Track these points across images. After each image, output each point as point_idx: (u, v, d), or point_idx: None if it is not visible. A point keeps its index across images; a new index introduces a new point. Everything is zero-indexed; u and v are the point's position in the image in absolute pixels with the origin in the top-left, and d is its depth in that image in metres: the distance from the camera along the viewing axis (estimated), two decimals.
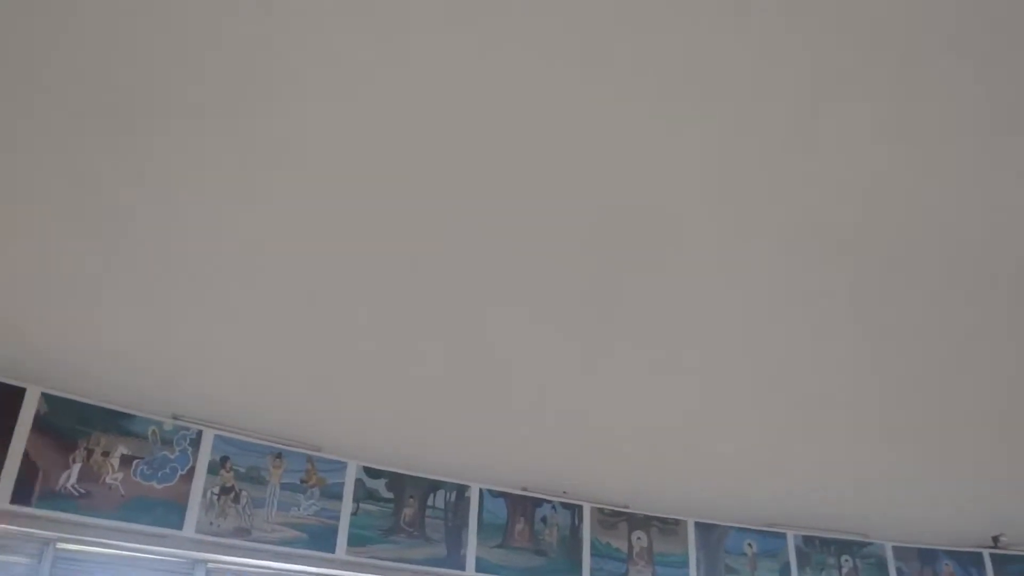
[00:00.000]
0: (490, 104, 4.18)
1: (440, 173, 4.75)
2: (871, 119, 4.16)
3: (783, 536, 7.09)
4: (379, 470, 5.62)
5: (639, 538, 6.54)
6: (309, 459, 5.35)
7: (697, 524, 6.82)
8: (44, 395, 4.43)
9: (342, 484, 5.42)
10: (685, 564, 6.62)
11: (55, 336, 4.56)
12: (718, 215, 4.86)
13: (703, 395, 6.50)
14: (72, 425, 4.50)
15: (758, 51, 3.41)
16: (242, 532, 4.94)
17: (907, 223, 4.92)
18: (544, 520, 6.21)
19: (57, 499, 4.35)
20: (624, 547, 6.45)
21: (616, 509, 6.55)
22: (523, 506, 6.16)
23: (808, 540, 7.15)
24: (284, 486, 5.19)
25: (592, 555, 6.29)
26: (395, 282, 5.38)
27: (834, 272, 5.71)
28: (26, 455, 4.29)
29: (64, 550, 4.42)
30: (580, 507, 6.40)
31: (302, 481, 5.27)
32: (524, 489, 6.23)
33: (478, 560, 5.79)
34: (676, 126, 3.86)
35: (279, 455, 5.23)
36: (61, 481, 4.38)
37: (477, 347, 5.79)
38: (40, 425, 4.38)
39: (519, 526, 6.08)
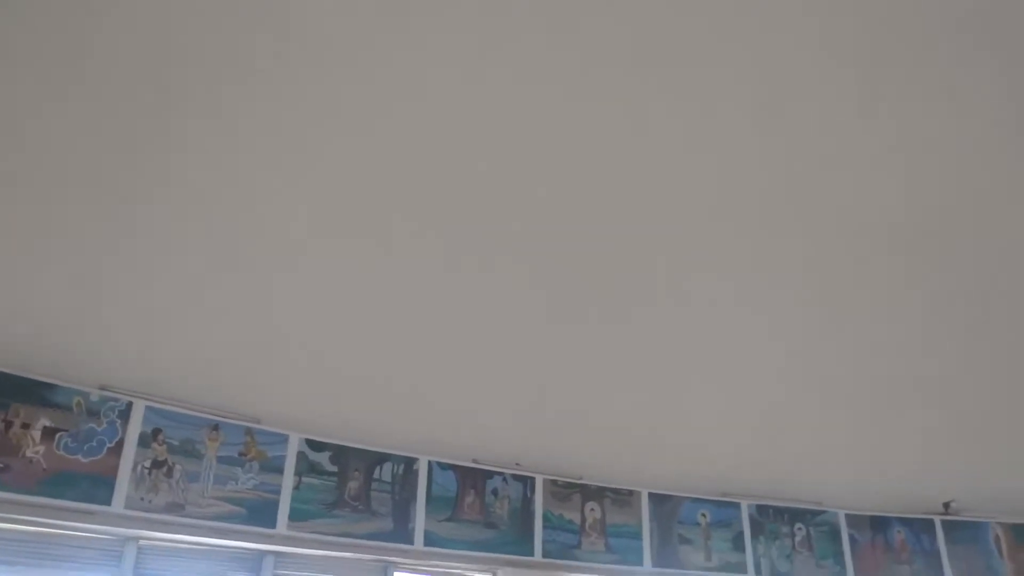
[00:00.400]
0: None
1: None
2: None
3: (737, 506, 7.04)
4: (322, 442, 5.42)
5: (592, 510, 6.43)
6: (248, 431, 5.13)
7: (651, 495, 6.73)
8: None
9: (283, 457, 5.21)
10: (639, 535, 6.54)
11: None
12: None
13: (656, 369, 6.40)
14: None
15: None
16: (175, 507, 4.71)
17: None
18: (495, 492, 6.07)
19: None
20: (577, 519, 6.34)
21: (569, 481, 6.44)
22: (473, 478, 6.01)
23: (762, 509, 7.11)
24: (221, 459, 4.97)
25: (544, 527, 6.17)
26: (338, 248, 5.18)
27: (786, 244, 5.68)
28: None
29: None
30: (532, 479, 6.27)
31: (240, 454, 5.06)
32: (475, 461, 6.08)
33: (427, 533, 5.63)
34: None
35: (216, 427, 5.00)
36: None
37: (424, 315, 5.61)
38: None
39: (469, 499, 5.93)
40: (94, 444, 4.51)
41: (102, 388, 4.63)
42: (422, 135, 4.50)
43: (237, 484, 4.98)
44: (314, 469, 5.33)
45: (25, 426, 4.30)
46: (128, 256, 4.67)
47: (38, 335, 4.49)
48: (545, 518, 6.20)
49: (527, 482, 6.24)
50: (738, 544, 6.90)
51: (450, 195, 4.91)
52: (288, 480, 5.18)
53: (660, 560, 6.54)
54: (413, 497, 5.67)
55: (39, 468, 4.29)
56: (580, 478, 6.49)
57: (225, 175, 4.58)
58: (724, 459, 6.99)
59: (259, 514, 4.99)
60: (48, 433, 4.37)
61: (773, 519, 7.13)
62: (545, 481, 6.32)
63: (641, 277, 5.79)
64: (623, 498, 6.61)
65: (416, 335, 5.64)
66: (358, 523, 5.39)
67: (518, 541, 6.02)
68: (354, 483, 5.47)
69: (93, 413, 4.56)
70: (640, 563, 6.46)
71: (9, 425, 4.25)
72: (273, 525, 5.03)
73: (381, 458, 5.64)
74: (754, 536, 6.98)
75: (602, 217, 5.20)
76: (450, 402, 5.96)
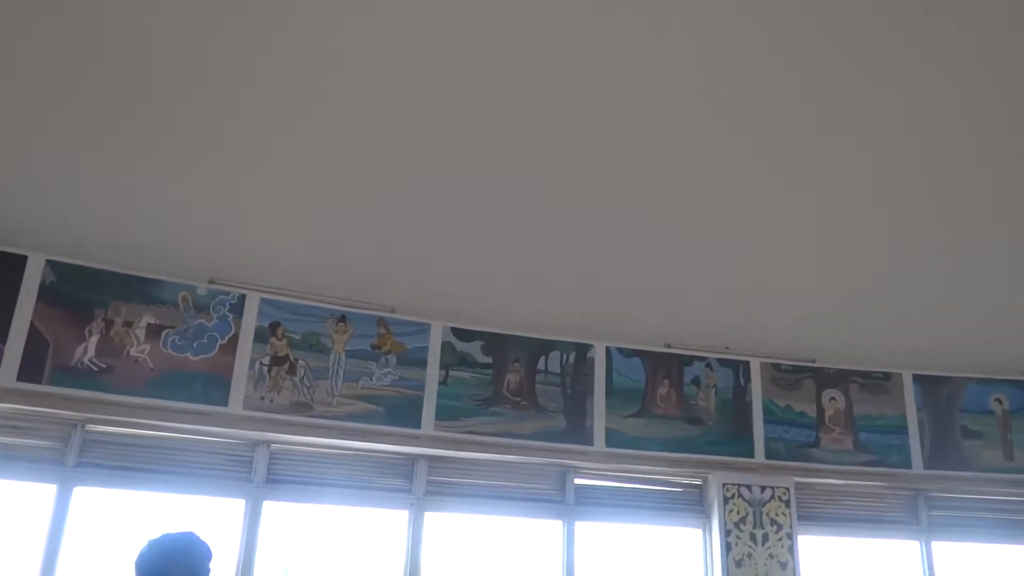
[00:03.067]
0: None
1: None
2: None
3: None
4: (472, 331, 4.65)
5: (833, 399, 5.06)
6: (381, 321, 4.49)
7: (918, 377, 5.18)
8: (50, 262, 3.92)
9: (425, 348, 4.52)
10: (902, 428, 5.05)
11: (62, 199, 4.03)
12: None
13: (917, 217, 4.86)
14: (85, 294, 3.97)
15: None
16: (301, 407, 4.21)
17: None
18: (697, 382, 4.93)
19: (73, 375, 3.84)
20: (811, 410, 5.01)
21: (798, 364, 5.10)
22: (667, 366, 4.93)
23: None
24: (351, 354, 4.39)
25: (767, 421, 4.93)
26: (484, 108, 4.31)
27: None
28: (32, 329, 3.81)
29: (97, 432, 3.93)
30: (746, 364, 5.03)
31: (374, 347, 4.44)
32: (668, 346, 4.98)
33: (609, 432, 4.67)
34: None
35: (342, 319, 4.43)
36: (77, 356, 3.87)
37: (598, 175, 4.58)
38: (47, 295, 3.88)
39: (663, 390, 4.86)
40: (204, 341, 4.11)
41: (211, 282, 4.22)
42: None
43: (372, 380, 4.37)
44: (464, 361, 4.58)
45: (127, 324, 3.99)
46: (233, 141, 4.19)
47: (138, 230, 4.16)
48: (767, 410, 4.96)
49: (739, 368, 5.02)
50: None
51: None
52: (433, 374, 4.49)
53: (936, 459, 5.02)
54: (589, 390, 4.73)
55: (146, 368, 3.97)
56: (813, 360, 5.12)
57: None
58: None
59: (400, 413, 4.36)
60: (153, 331, 4.03)
61: None
62: (764, 365, 5.05)
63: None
64: (877, 382, 5.14)
65: (584, 201, 4.65)
66: (522, 422, 4.57)
67: (732, 439, 4.86)
68: (514, 376, 4.65)
69: (202, 308, 4.16)
70: (907, 464, 4.99)
71: (110, 324, 3.96)
72: (417, 425, 4.37)
73: (546, 346, 4.76)
74: None
75: None
76: (631, 277, 4.91)
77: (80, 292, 3.95)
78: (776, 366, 5.07)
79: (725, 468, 4.80)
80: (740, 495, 4.76)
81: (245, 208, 4.32)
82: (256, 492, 4.14)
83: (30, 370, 3.76)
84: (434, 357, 4.52)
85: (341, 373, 4.33)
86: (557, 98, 4.28)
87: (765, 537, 4.70)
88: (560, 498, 4.63)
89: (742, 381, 4.99)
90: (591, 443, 4.64)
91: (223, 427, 4.05)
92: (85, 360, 3.87)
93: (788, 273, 5.05)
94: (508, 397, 4.60)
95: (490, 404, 4.55)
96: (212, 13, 3.84)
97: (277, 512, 4.19)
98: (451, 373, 4.53)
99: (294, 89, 4.10)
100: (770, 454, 4.88)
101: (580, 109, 4.32)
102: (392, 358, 4.45)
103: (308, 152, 4.32)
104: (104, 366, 3.90)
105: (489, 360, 4.63)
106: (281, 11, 3.88)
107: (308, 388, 4.25)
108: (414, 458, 4.44)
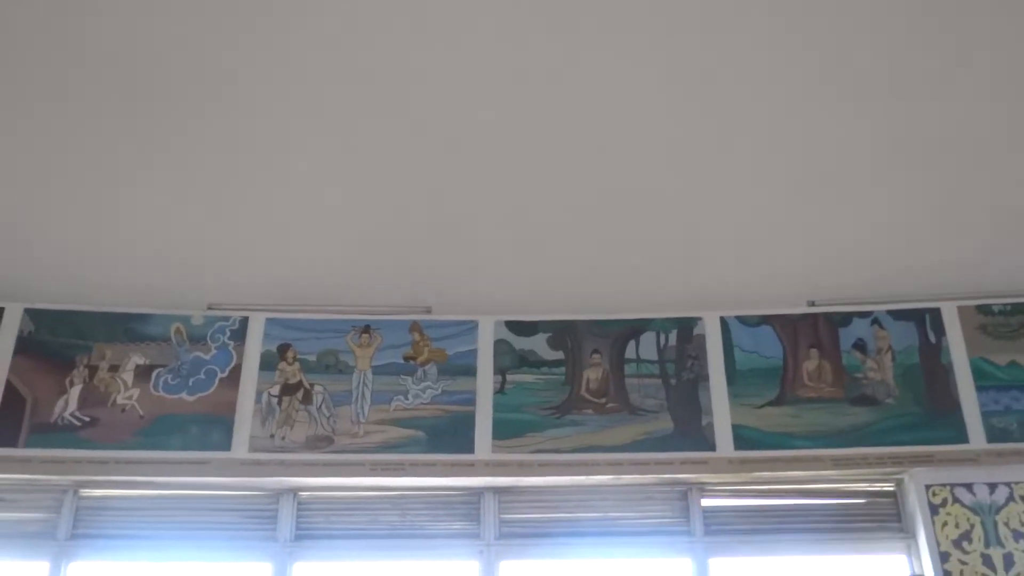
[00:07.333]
0: None
1: None
2: None
3: None
4: (532, 322, 3.62)
5: None
6: (415, 326, 3.62)
7: None
8: (28, 311, 3.50)
9: (473, 352, 3.57)
10: None
11: (35, 240, 3.64)
12: None
13: None
14: (66, 340, 3.49)
15: None
16: (320, 442, 3.40)
17: None
18: (861, 346, 3.51)
19: (53, 434, 3.33)
20: None
21: (1017, 301, 3.50)
22: (813, 331, 3.56)
23: None
24: (379, 370, 3.54)
25: (980, 389, 3.38)
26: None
27: None
28: (9, 387, 3.37)
29: (94, 498, 3.38)
30: (935, 311, 3.53)
31: (407, 358, 3.56)
32: (811, 304, 3.61)
33: (737, 431, 3.39)
34: None
35: (366, 329, 3.61)
36: (57, 411, 3.37)
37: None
38: (26, 347, 3.45)
39: (810, 364, 3.50)
40: (202, 377, 3.47)
41: (210, 308, 3.60)
42: None
43: (407, 399, 3.49)
44: (525, 361, 3.56)
45: (113, 369, 3.45)
46: (225, 144, 3.62)
47: (124, 260, 3.66)
48: (979, 372, 3.41)
49: (925, 317, 3.52)
50: None
51: None
52: (485, 382, 3.51)
53: None
54: (702, 377, 3.50)
55: (134, 416, 3.39)
56: None
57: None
58: None
59: (445, 436, 3.42)
60: (142, 373, 3.46)
61: None
62: (964, 310, 3.51)
63: None
64: None
65: (671, 132, 3.54)
66: (610, 429, 3.44)
67: (929, 421, 3.37)
68: (594, 371, 3.54)
69: (197, 339, 3.54)
70: None
71: (93, 371, 3.45)
72: (470, 449, 3.40)
73: (635, 327, 3.61)
74: None
75: None
76: (747, 221, 3.66)
77: (60, 339, 3.49)
78: (984, 308, 3.51)
79: (926, 462, 3.30)
80: (957, 499, 3.24)
81: (243, 219, 3.68)
82: (284, 552, 3.35)
83: (5, 433, 3.30)
84: (485, 361, 3.55)
85: (368, 395, 3.49)
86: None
87: (1009, 559, 3.13)
88: (684, 527, 3.39)
89: (932, 336, 3.49)
90: (713, 447, 3.38)
91: (225, 475, 3.34)
92: (66, 415, 3.37)
93: (981, 179, 3.52)
94: (589, 400, 3.49)
95: (565, 412, 3.47)
96: (202, 21, 3.30)
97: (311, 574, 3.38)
98: (509, 378, 3.52)
99: (295, 88, 3.44)
100: (995, 435, 3.30)
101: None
102: (431, 369, 3.54)
103: (313, 147, 3.62)
104: (88, 419, 3.37)
105: (559, 355, 3.57)
106: (280, 11, 3.27)
107: (328, 418, 3.45)
108: (478, 492, 3.45)
